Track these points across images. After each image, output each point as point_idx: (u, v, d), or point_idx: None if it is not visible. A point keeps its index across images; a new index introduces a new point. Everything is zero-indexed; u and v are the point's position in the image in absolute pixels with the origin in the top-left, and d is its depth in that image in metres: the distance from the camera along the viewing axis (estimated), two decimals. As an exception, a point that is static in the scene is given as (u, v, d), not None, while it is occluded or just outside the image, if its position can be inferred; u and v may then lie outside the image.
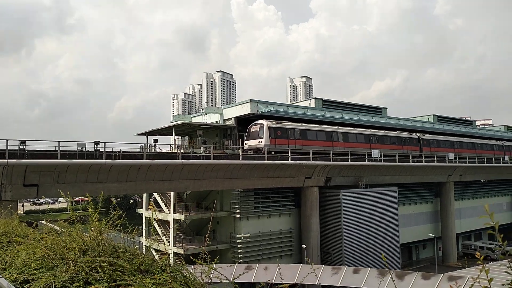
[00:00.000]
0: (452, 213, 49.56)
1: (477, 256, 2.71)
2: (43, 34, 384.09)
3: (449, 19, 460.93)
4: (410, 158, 42.06)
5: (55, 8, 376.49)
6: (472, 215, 53.87)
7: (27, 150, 22.29)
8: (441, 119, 58.65)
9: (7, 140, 21.39)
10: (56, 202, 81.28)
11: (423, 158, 43.93)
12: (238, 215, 33.45)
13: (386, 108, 50.64)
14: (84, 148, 24.17)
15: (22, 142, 22.14)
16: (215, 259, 4.69)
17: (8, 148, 21.31)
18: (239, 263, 30.14)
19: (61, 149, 22.82)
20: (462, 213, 52.85)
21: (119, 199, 77.96)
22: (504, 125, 73.46)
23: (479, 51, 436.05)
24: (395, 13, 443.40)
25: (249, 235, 33.53)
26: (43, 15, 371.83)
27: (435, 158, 45.03)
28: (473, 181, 54.89)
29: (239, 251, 32.92)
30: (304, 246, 34.60)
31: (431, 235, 44.54)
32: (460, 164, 48.04)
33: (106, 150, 24.45)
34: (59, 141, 22.90)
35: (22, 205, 69.57)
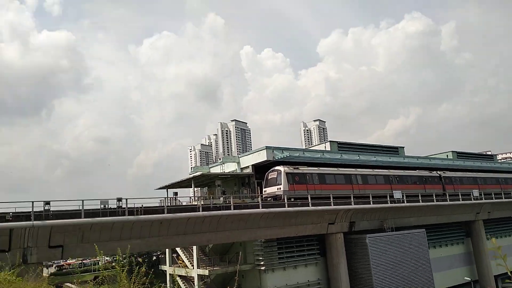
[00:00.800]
0: (486, 253, 47.14)
1: None
2: (61, 95, 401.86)
3: (456, 53, 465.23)
4: (434, 197, 40.96)
5: (72, 69, 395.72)
6: (509, 254, 51.04)
7: (52, 211, 22.63)
8: (460, 155, 57.64)
9: (33, 202, 21.83)
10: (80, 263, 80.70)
11: (447, 197, 42.71)
12: (263, 267, 32.54)
13: (403, 147, 50.25)
14: (107, 206, 24.45)
15: (47, 203, 22.46)
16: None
17: (34, 210, 21.72)
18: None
19: (84, 208, 23.09)
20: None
21: (143, 256, 77.19)
22: (528, 157, 71.63)
23: (491, 83, 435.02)
24: (402, 52, 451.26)
25: None
26: (61, 76, 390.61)
27: (460, 196, 43.73)
28: (504, 217, 52.60)
29: (266, 305, 31.71)
30: (333, 296, 33.15)
31: (467, 278, 42.20)
32: (486, 200, 46.44)
33: (128, 206, 24.68)
34: (83, 200, 23.23)
35: (47, 268, 69.22)
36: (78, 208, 23.15)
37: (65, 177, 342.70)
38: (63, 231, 22.97)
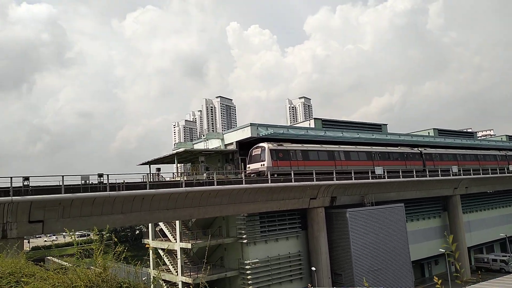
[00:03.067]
0: (461, 227, 48.92)
1: None
2: (43, 69, 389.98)
3: (443, 32, 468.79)
4: (414, 173, 41.90)
5: (54, 43, 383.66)
6: (482, 228, 53.23)
7: (31, 187, 22.36)
8: (442, 132, 58.76)
9: (11, 177, 21.58)
10: (63, 237, 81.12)
11: (427, 173, 43.74)
12: (245, 241, 33.11)
13: (386, 124, 50.87)
14: (87, 181, 24.24)
15: (26, 178, 22.21)
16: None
17: (12, 186, 21.45)
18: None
19: (64, 184, 22.93)
20: (472, 226, 52.16)
21: (127, 231, 77.49)
22: (506, 135, 73.45)
23: (476, 62, 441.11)
24: (389, 30, 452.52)
25: (257, 260, 33.09)
26: (42, 50, 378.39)
27: (439, 172, 44.83)
28: (480, 193, 54.38)
29: (248, 277, 32.44)
30: (313, 268, 34.08)
31: (442, 250, 43.84)
32: (464, 176, 47.77)
33: (109, 182, 24.54)
34: (63, 176, 23.02)
35: (28, 242, 69.18)
36: (58, 184, 22.95)
37: (46, 152, 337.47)
38: (43, 206, 22.80)
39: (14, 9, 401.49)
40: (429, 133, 57.14)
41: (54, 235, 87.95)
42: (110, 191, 24.37)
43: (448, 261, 44.98)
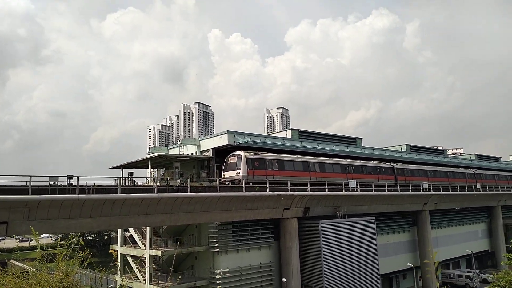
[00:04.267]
0: (430, 242, 50.05)
1: None
2: (17, 65, 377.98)
3: (418, 51, 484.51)
4: (386, 187, 42.70)
5: (30, 39, 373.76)
6: (449, 243, 54.64)
7: (-4, 186, 21.47)
8: (414, 148, 60.26)
9: (-25, 175, 20.63)
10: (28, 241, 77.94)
11: (398, 187, 44.67)
12: (216, 250, 32.74)
13: (361, 138, 51.75)
14: (56, 183, 23.45)
15: (-9, 177, 21.31)
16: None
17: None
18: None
19: (32, 184, 22.12)
20: (440, 241, 53.46)
21: (93, 235, 75.27)
22: (475, 154, 76.05)
23: (449, 81, 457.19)
24: (367, 47, 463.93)
25: (228, 270, 32.76)
26: (17, 46, 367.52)
27: (410, 187, 45.87)
28: (448, 209, 55.85)
29: (218, 287, 32.00)
30: (284, 280, 34.00)
31: (410, 264, 44.66)
32: (434, 192, 49.03)
33: (79, 184, 23.85)
34: (30, 176, 22.22)
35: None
36: (26, 184, 22.12)
37: (16, 150, 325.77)
38: (8, 207, 21.86)
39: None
40: (401, 148, 58.47)
41: (20, 238, 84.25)
42: (79, 193, 23.65)
43: (416, 275, 45.91)
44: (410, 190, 45.57)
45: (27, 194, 21.89)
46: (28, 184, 22.03)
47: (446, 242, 54.38)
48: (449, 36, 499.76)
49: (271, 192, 32.43)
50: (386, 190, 42.50)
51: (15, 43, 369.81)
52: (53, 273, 4.27)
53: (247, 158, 32.86)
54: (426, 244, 49.55)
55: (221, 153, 36.38)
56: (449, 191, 51.26)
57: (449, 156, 77.51)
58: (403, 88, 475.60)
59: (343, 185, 38.38)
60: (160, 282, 33.03)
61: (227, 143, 35.44)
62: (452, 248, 55.15)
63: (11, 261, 56.68)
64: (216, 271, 32.46)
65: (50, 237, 67.49)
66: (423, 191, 47.51)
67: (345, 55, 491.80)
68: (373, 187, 41.09)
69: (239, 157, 33.12)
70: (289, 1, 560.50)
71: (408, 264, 44.35)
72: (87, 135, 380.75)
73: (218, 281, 32.11)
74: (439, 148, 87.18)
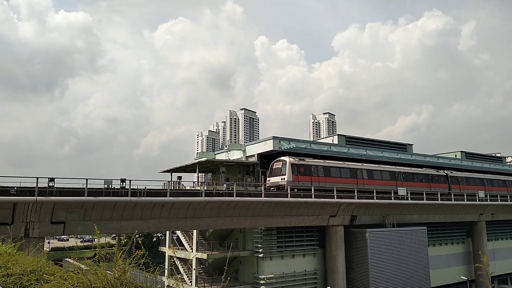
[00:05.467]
0: (485, 254, 46.89)
1: None
2: (75, 74, 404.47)
3: (474, 54, 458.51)
4: (439, 196, 40.71)
5: (88, 50, 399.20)
6: (507, 257, 51.00)
7: (56, 188, 22.89)
8: (469, 155, 57.11)
9: (37, 178, 22.15)
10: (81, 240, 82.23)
11: (452, 196, 42.42)
12: (261, 255, 32.75)
13: (412, 144, 49.89)
14: (110, 186, 24.67)
15: (51, 179, 22.76)
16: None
17: (38, 186, 22.01)
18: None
19: (88, 187, 23.39)
20: (496, 254, 50.04)
21: (142, 237, 78.05)
22: (537, 162, 70.74)
23: (507, 86, 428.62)
24: (419, 50, 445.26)
25: (272, 275, 32.63)
26: (75, 57, 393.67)
27: (465, 196, 43.42)
28: (506, 220, 52.24)
29: (262, 292, 31.98)
30: (329, 288, 33.32)
31: (464, 278, 42.10)
32: (491, 202, 46.10)
33: (131, 187, 24.89)
34: (87, 179, 23.55)
35: (48, 242, 70.55)
36: (82, 187, 23.43)
37: (72, 155, 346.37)
38: (66, 208, 23.25)
39: (53, 16, 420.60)
40: (456, 155, 55.63)
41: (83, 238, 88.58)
42: (131, 196, 24.66)
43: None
44: (465, 200, 43.15)
45: (83, 196, 23.16)
46: (84, 187, 23.32)
47: (504, 255, 50.78)
48: (506, 38, 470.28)
49: (316, 199, 32.00)
50: (439, 199, 40.53)
51: (74, 54, 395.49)
52: (111, 270, 4.47)
53: (292, 164, 32.68)
54: (482, 257, 46.49)
55: (266, 158, 36.45)
56: (507, 201, 47.96)
57: (508, 163, 72.65)
58: (458, 92, 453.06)
59: (392, 193, 37.09)
60: (205, 285, 33.54)
61: (272, 148, 35.49)
62: (510, 262, 51.41)
63: (66, 259, 60.09)
64: (260, 276, 32.45)
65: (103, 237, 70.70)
66: (479, 200, 44.81)
67: (395, 58, 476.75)
68: (424, 196, 39.35)
69: (284, 162, 33.02)
70: (337, 6, 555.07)
71: (462, 277, 41.85)
72: (138, 140, 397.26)
73: (262, 287, 32.07)
74: (496, 155, 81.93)
